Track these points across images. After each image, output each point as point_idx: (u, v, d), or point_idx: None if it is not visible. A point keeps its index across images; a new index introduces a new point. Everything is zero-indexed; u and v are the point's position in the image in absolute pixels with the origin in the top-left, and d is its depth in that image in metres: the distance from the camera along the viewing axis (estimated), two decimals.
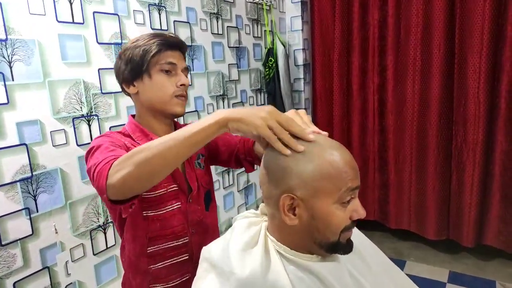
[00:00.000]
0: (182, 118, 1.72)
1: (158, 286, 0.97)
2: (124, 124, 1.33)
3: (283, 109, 2.51)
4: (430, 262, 2.42)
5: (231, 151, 1.10)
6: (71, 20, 1.32)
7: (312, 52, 2.73)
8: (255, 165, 1.10)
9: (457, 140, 2.30)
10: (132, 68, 0.93)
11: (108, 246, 1.48)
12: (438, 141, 2.33)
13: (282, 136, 0.65)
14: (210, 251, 0.78)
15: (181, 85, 0.94)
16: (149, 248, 0.95)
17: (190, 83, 0.99)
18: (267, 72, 2.47)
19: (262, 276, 0.65)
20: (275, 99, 2.50)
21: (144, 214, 0.92)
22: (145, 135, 0.95)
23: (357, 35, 2.51)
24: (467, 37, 2.14)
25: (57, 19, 1.28)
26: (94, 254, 1.43)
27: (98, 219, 1.44)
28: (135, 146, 0.90)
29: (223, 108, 2.13)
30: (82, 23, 1.36)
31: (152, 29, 1.65)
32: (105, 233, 1.46)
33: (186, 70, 0.98)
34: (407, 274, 0.91)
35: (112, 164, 0.72)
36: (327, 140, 0.69)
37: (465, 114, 2.22)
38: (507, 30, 2.02)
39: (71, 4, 1.32)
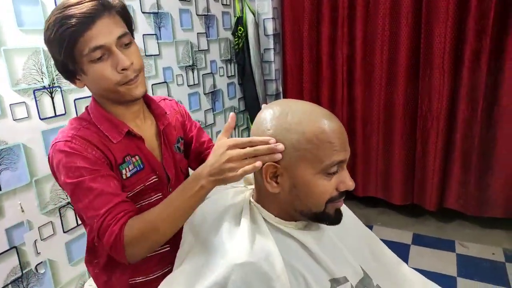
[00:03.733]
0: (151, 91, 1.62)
1: (139, 279, 0.93)
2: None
3: (252, 81, 2.48)
4: (395, 225, 2.54)
5: (200, 152, 1.06)
6: None
7: (282, 21, 2.68)
8: None
9: (422, 109, 2.36)
10: (62, 68, 0.79)
11: (79, 223, 1.43)
12: (404, 111, 2.39)
13: (257, 154, 0.66)
14: (194, 224, 0.77)
15: (122, 69, 0.77)
16: None
17: (139, 58, 0.81)
18: (237, 42, 2.41)
19: (250, 245, 0.65)
20: (244, 69, 2.46)
21: None
22: (113, 125, 0.84)
23: (327, 4, 2.48)
24: (434, 7, 2.16)
25: None
26: (65, 232, 1.38)
27: (67, 195, 1.38)
28: (104, 145, 0.81)
29: (193, 78, 2.07)
30: None
31: None
32: (75, 210, 1.41)
33: (125, 36, 0.77)
34: None
35: (123, 241, 0.72)
36: (315, 108, 0.69)
37: (430, 83, 2.28)
38: (471, 1, 2.06)
39: None
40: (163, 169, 0.92)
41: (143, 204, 0.89)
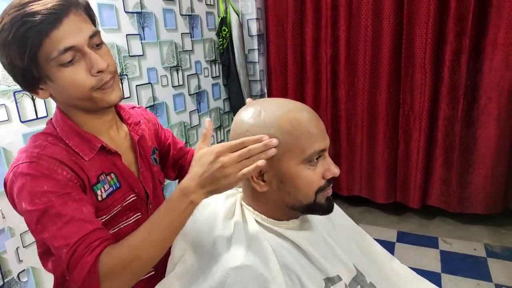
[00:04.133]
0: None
1: None
2: None
3: (237, 82, 2.47)
4: (379, 224, 2.57)
5: (178, 159, 1.02)
6: None
7: (266, 22, 2.68)
8: None
9: (404, 108, 2.41)
10: (22, 76, 0.68)
11: None
12: (387, 110, 2.43)
13: (251, 154, 0.63)
14: (184, 229, 0.75)
15: (97, 72, 0.69)
16: None
17: (112, 59, 0.74)
18: (221, 42, 2.40)
19: (245, 248, 0.64)
20: (229, 70, 2.45)
21: None
22: (85, 140, 0.75)
23: (310, 4, 2.50)
24: (415, 8, 2.20)
25: None
26: None
27: None
28: (76, 164, 0.72)
29: (178, 79, 2.04)
30: None
31: None
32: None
33: (96, 36, 0.70)
34: None
35: (98, 273, 0.62)
36: (287, 102, 0.70)
37: (412, 83, 2.32)
38: (451, 1, 2.11)
39: None
40: (141, 186, 0.84)
41: (121, 227, 0.81)
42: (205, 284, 0.62)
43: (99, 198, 0.76)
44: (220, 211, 0.73)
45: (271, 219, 0.71)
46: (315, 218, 0.79)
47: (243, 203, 0.75)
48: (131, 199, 0.81)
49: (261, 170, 0.67)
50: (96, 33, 0.70)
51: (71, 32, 0.65)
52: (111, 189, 0.78)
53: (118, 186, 0.80)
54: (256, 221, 0.71)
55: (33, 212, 0.66)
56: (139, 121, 0.89)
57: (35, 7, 0.62)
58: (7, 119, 1.19)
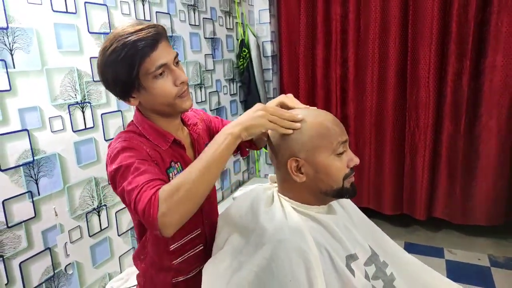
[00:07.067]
0: None
1: (181, 278, 1.02)
2: (117, 111, 1.38)
3: (258, 98, 2.65)
4: (387, 235, 2.68)
5: None
6: (65, 10, 1.36)
7: (279, 44, 2.88)
8: (248, 150, 1.21)
9: (410, 125, 2.56)
10: (122, 87, 0.88)
11: (102, 228, 1.54)
12: (393, 126, 2.58)
13: (282, 124, 0.84)
14: (230, 215, 0.91)
15: (180, 83, 0.89)
16: (171, 246, 0.98)
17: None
18: (242, 62, 2.59)
19: (287, 225, 0.80)
20: (249, 88, 2.63)
21: None
22: (160, 135, 0.94)
23: (321, 28, 2.69)
24: (419, 32, 2.39)
25: (52, 9, 1.31)
26: (90, 236, 1.49)
27: (92, 202, 1.50)
28: (155, 150, 0.91)
29: (201, 96, 2.22)
30: (75, 13, 1.40)
31: (137, 19, 1.71)
32: (99, 216, 1.53)
33: (177, 56, 0.92)
34: None
35: (157, 199, 0.73)
36: (314, 111, 0.90)
37: (417, 101, 2.48)
38: (452, 26, 2.29)
39: None
40: None
41: None
42: (257, 255, 0.77)
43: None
44: (261, 199, 0.89)
45: (304, 204, 0.87)
46: (337, 210, 0.95)
47: (279, 194, 0.91)
48: None
49: (298, 164, 0.84)
50: (177, 55, 0.91)
51: (164, 53, 0.86)
52: (178, 175, 0.94)
53: None
54: (292, 207, 0.87)
55: (118, 169, 0.83)
56: (196, 122, 1.08)
57: (140, 34, 0.84)
58: (62, 128, 1.36)
